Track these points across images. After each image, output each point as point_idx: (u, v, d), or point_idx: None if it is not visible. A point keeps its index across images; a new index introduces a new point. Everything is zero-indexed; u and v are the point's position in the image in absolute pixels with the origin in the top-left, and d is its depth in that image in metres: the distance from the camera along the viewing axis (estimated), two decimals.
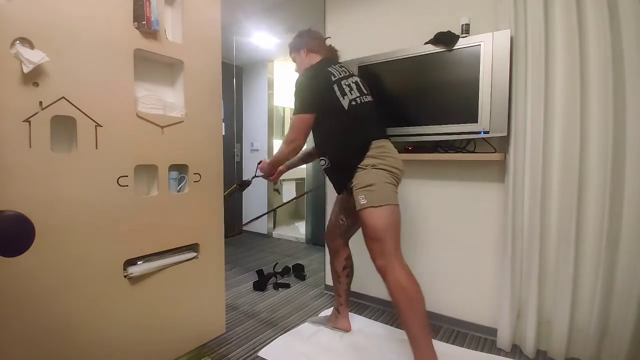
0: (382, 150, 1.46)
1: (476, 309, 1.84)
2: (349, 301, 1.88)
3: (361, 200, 1.41)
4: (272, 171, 1.74)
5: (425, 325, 1.33)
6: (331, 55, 1.70)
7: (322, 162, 1.59)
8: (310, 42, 1.69)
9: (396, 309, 1.36)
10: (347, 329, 1.84)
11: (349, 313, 1.93)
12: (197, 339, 1.49)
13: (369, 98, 1.58)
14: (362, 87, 1.59)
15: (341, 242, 1.81)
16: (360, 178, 1.43)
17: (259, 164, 1.79)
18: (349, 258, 1.83)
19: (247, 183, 1.96)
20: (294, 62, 1.75)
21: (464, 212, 1.86)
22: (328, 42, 1.76)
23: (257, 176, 1.87)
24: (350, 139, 1.49)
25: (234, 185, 1.99)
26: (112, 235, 1.17)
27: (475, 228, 1.82)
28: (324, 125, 1.53)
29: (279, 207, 3.94)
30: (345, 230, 1.78)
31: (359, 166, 1.45)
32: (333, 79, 1.50)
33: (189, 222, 1.41)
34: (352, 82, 1.55)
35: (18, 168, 0.95)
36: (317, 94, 1.50)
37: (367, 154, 1.45)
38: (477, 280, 1.83)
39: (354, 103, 1.50)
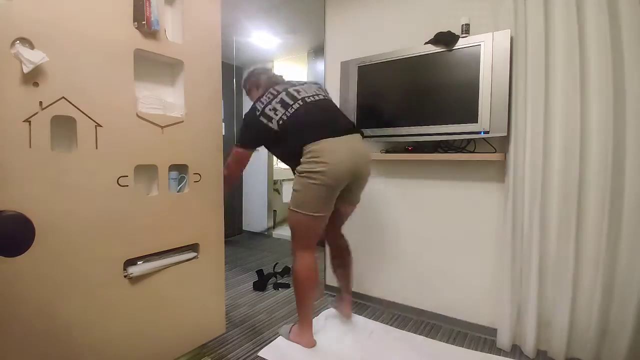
0: (310, 155, 1.49)
1: (476, 309, 1.84)
2: (349, 289, 1.95)
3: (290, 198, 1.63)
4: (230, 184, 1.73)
5: (305, 303, 1.66)
6: (269, 85, 1.73)
7: None
8: (254, 81, 1.85)
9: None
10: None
11: (353, 314, 1.94)
12: (197, 339, 1.49)
13: (300, 103, 1.57)
14: (290, 97, 1.59)
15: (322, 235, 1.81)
16: (294, 181, 1.58)
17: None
18: (333, 256, 1.95)
19: None
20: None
21: (463, 212, 1.86)
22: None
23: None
24: (287, 151, 1.63)
25: None
26: (112, 235, 1.16)
27: (475, 228, 1.82)
28: (273, 150, 1.71)
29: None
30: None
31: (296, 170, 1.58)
32: (257, 113, 1.60)
33: (189, 222, 1.41)
34: (277, 102, 1.58)
35: (18, 168, 0.95)
36: (253, 131, 1.65)
37: (301, 159, 1.52)
38: (477, 280, 1.83)
39: (281, 121, 1.55)
